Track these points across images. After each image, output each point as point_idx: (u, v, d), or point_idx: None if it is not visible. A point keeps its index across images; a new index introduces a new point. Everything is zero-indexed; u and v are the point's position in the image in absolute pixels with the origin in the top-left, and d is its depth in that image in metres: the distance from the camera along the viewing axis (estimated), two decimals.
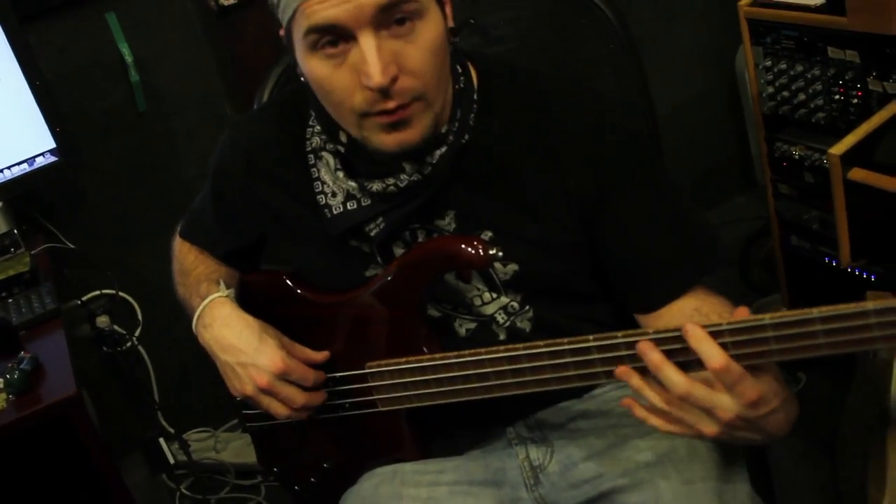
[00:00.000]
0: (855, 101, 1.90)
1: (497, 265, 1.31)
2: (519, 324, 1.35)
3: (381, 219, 1.30)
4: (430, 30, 1.16)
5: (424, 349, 1.32)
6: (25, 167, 2.18)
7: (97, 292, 2.48)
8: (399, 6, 1.12)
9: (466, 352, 1.24)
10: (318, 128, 1.33)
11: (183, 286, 1.52)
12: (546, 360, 1.18)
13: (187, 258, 1.55)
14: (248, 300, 1.44)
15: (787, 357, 1.02)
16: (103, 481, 1.70)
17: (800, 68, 2.00)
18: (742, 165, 3.09)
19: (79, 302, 2.36)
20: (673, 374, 1.06)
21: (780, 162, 2.14)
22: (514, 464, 1.41)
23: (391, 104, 1.15)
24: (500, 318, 1.35)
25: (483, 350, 1.23)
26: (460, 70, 1.28)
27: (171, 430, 2.53)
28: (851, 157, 1.54)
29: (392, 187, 1.26)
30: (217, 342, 1.36)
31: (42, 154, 2.19)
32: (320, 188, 1.33)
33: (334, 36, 1.13)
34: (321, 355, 1.38)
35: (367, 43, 1.12)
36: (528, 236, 1.30)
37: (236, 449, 2.59)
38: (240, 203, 1.44)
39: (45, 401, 1.60)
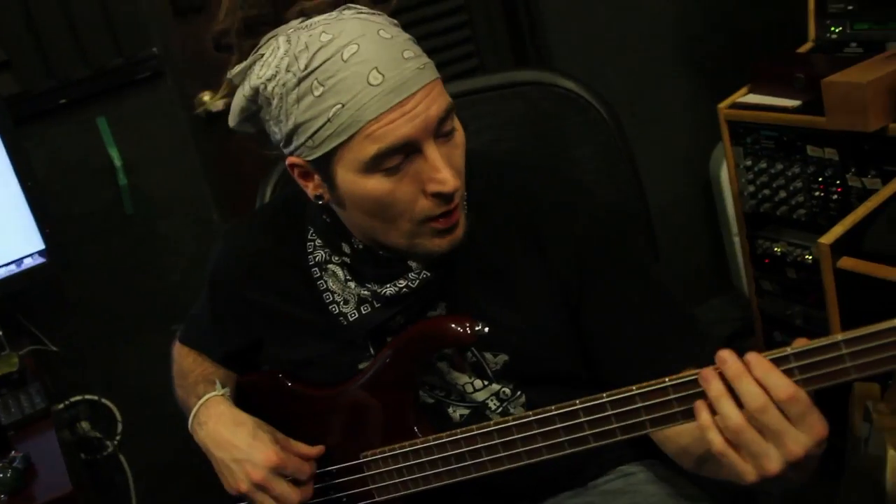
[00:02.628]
0: (835, 196, 1.97)
1: (488, 356, 1.33)
2: (512, 409, 1.36)
3: (399, 317, 1.33)
4: (460, 134, 1.22)
5: (417, 432, 1.34)
6: (13, 268, 2.17)
7: (79, 397, 2.44)
8: (451, 114, 1.18)
9: (458, 430, 1.26)
10: (319, 241, 1.36)
11: (181, 388, 1.53)
12: (536, 429, 1.18)
13: (186, 361, 1.56)
14: (245, 400, 1.46)
15: (866, 372, 0.96)
16: None
17: (780, 167, 2.07)
18: (718, 268, 3.15)
19: (61, 406, 2.32)
20: (752, 386, 0.99)
21: (763, 259, 2.20)
22: None
23: (452, 205, 1.20)
24: (493, 404, 1.36)
25: (475, 426, 1.24)
26: None
27: None
28: (840, 247, 1.59)
29: (405, 289, 1.29)
30: (212, 439, 1.38)
31: (31, 255, 2.18)
32: (331, 298, 1.36)
33: (404, 153, 1.16)
34: (316, 450, 1.40)
35: (434, 153, 1.16)
36: (518, 327, 1.32)
37: None
38: (235, 309, 1.46)
39: (39, 499, 1.57)
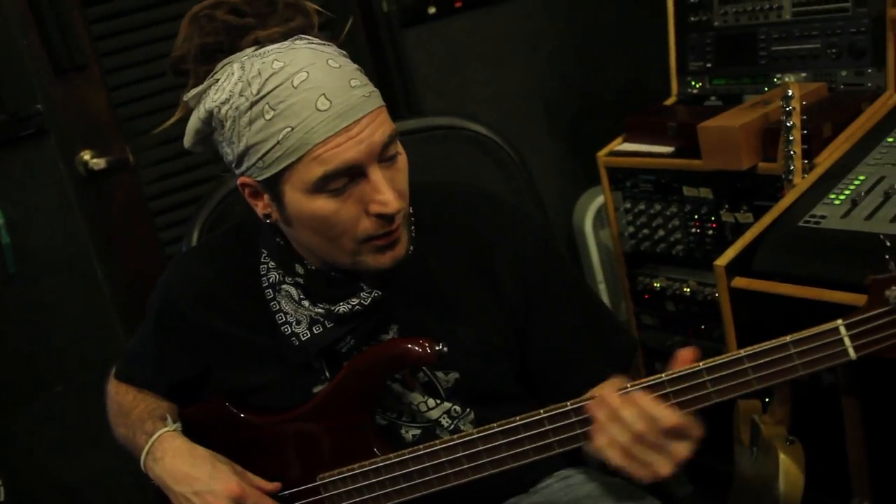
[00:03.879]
0: (710, 232, 2.16)
1: (440, 374, 1.40)
2: (462, 426, 1.42)
3: (349, 337, 1.38)
4: (403, 159, 1.31)
5: (376, 451, 1.38)
6: None
7: None
8: (394, 140, 1.26)
9: (420, 446, 1.32)
10: (273, 263, 1.40)
11: (124, 426, 1.52)
12: (501, 440, 1.28)
13: (125, 399, 1.54)
14: (191, 432, 1.46)
15: (725, 397, 1.17)
16: None
17: (658, 207, 2.25)
18: None
19: None
20: (630, 414, 1.18)
21: (643, 295, 2.36)
22: None
23: (394, 226, 1.27)
24: (445, 421, 1.42)
25: (437, 441, 1.31)
26: None
27: None
28: (733, 269, 1.76)
29: (358, 307, 1.34)
30: (169, 474, 1.39)
31: None
32: (283, 318, 1.39)
33: (349, 176, 1.23)
34: (273, 486, 1.42)
35: (378, 175, 1.24)
36: (467, 345, 1.40)
37: None
38: (183, 337, 1.47)
39: None
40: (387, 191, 1.24)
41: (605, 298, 2.98)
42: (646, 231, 2.30)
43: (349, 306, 1.34)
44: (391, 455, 1.35)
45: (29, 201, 2.43)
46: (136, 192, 2.60)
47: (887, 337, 1.12)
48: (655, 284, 2.31)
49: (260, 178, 1.26)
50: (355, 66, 1.27)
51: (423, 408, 1.41)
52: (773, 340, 1.15)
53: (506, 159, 1.83)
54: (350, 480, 1.38)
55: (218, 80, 1.24)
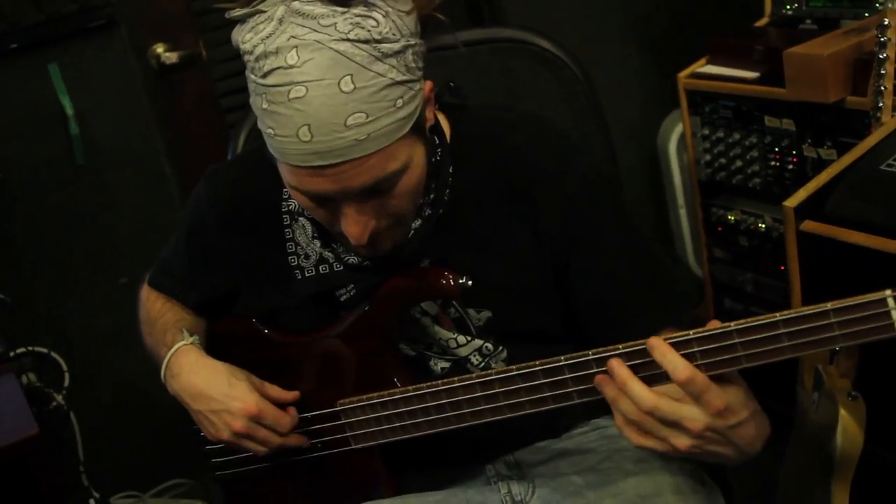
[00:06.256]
0: (790, 167, 2.02)
1: (471, 312, 1.34)
2: (493, 364, 1.37)
3: (351, 286, 1.33)
4: (411, 177, 1.19)
5: (396, 382, 1.34)
6: None
7: (25, 349, 2.39)
8: (386, 181, 1.15)
9: (439, 381, 1.26)
10: None
11: (150, 335, 1.50)
12: (519, 383, 1.20)
13: (154, 307, 1.53)
14: (217, 347, 1.44)
15: (755, 362, 1.05)
16: None
17: (737, 136, 2.12)
18: (662, 240, 3.20)
19: (10, 355, 2.27)
20: (639, 389, 1.08)
21: (716, 227, 2.25)
22: (496, 498, 1.40)
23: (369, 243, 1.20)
24: (475, 359, 1.37)
25: (456, 378, 1.25)
26: (437, 141, 1.30)
27: (96, 495, 2.42)
28: (803, 211, 1.64)
29: (367, 262, 1.29)
30: (186, 391, 1.37)
31: None
32: (293, 249, 1.36)
33: (319, 199, 1.16)
34: (292, 394, 1.39)
35: (351, 211, 1.16)
36: (502, 283, 1.33)
37: None
38: (214, 254, 1.44)
39: (4, 442, 1.53)
40: (353, 227, 1.16)
41: (684, 225, 2.87)
42: (722, 160, 2.18)
43: (358, 259, 1.30)
44: (410, 388, 1.30)
45: (99, 93, 2.44)
46: (208, 89, 2.58)
47: None
48: (730, 217, 2.19)
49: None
50: (384, 85, 1.10)
51: (452, 344, 1.36)
52: (813, 306, 1.02)
53: (571, 78, 1.71)
54: (369, 409, 1.34)
55: (260, 12, 1.13)
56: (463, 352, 1.36)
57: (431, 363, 1.38)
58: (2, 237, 2.39)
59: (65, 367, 2.46)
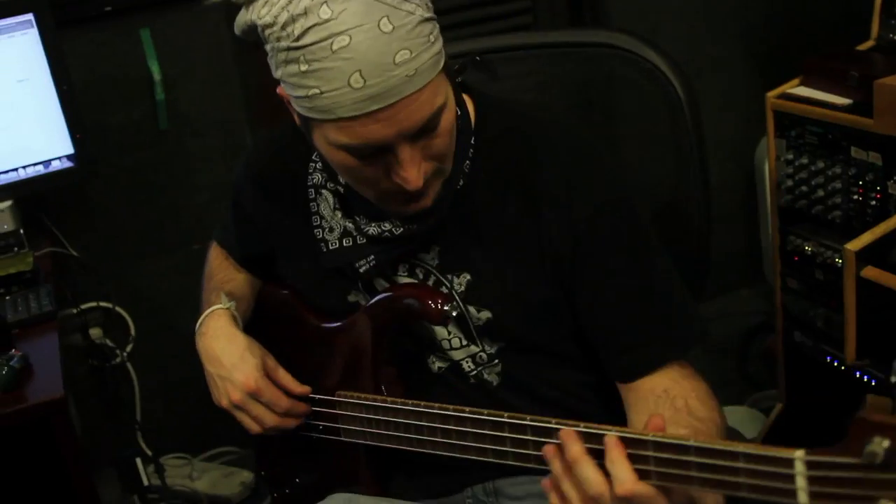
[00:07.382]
0: (873, 202, 1.90)
1: (471, 310, 1.32)
2: (486, 375, 1.35)
3: (371, 257, 1.33)
4: (450, 114, 1.19)
5: (384, 390, 1.37)
6: (40, 169, 2.19)
7: (94, 304, 2.46)
8: (437, 116, 1.15)
9: (422, 402, 1.27)
10: (320, 164, 1.36)
11: (205, 291, 1.57)
12: (487, 430, 1.18)
13: (215, 262, 1.60)
14: (260, 311, 1.54)
15: (708, 489, 0.95)
16: (75, 491, 1.67)
17: (821, 164, 2.00)
18: (750, 259, 3.09)
19: (74, 310, 2.34)
20: (590, 472, 1.00)
21: (792, 256, 2.13)
22: None
23: (417, 197, 1.20)
24: (467, 366, 1.35)
25: (436, 404, 1.25)
26: (459, 112, 1.27)
27: (149, 453, 2.49)
28: (866, 255, 1.54)
29: (387, 233, 1.28)
30: (205, 352, 1.44)
31: (59, 158, 2.20)
32: (318, 222, 1.37)
33: (374, 149, 1.14)
34: (301, 388, 1.42)
35: (406, 153, 1.14)
36: (504, 284, 1.30)
37: (212, 479, 2.55)
38: (251, 217, 1.50)
39: (30, 400, 1.59)
40: (411, 169, 1.15)
41: (772, 247, 2.75)
42: (804, 188, 2.06)
43: (379, 230, 1.29)
44: (398, 400, 1.31)
45: (187, 60, 2.49)
46: None
47: (846, 496, 0.84)
48: (807, 248, 2.07)
49: (292, 104, 1.18)
50: (417, 21, 1.11)
51: (446, 345, 1.35)
52: (728, 443, 0.92)
53: (672, 97, 1.59)
54: (360, 408, 1.37)
55: None
56: (456, 356, 1.35)
57: (430, 361, 1.38)
58: (80, 195, 2.46)
59: (131, 324, 2.53)
